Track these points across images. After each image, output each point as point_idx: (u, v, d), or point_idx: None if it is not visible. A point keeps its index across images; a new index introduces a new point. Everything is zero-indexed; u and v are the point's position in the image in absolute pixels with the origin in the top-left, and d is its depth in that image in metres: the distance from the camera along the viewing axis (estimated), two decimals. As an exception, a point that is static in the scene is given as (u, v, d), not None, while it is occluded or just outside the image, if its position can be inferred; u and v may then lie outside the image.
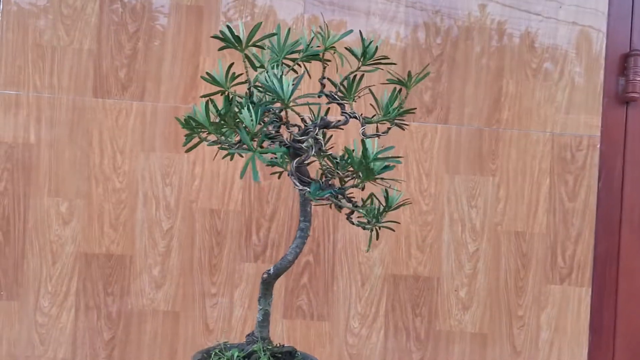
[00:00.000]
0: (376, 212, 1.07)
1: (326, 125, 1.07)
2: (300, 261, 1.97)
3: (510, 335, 1.99)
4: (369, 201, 1.08)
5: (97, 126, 1.97)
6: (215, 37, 1.01)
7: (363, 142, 1.01)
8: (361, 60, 1.11)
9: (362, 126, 1.07)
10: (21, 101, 1.97)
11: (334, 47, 1.10)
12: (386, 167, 1.01)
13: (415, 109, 1.97)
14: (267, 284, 1.14)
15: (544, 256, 2.00)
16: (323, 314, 1.98)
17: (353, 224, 1.09)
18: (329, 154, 1.05)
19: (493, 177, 2.00)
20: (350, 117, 1.09)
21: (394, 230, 1.10)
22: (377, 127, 1.12)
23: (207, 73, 1.01)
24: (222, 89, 1.01)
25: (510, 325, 1.99)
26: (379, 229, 1.09)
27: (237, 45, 1.00)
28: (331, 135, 1.14)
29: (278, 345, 1.17)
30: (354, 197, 1.09)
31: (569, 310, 1.99)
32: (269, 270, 1.12)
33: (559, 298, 1.99)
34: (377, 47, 1.12)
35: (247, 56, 1.02)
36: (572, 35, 2.03)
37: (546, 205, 2.00)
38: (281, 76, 0.97)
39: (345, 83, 1.12)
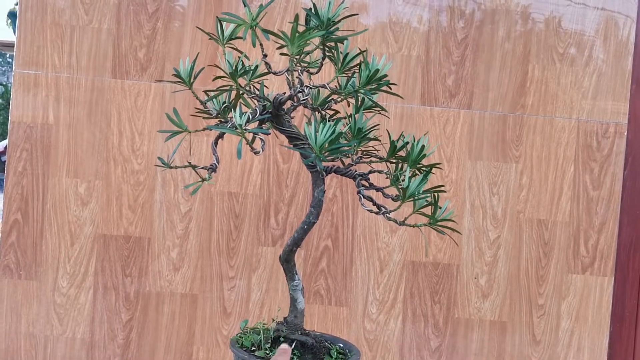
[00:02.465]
0: (433, 206, 1.01)
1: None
2: (319, 246, 1.95)
3: (530, 323, 1.95)
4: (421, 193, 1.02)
5: (116, 107, 1.95)
6: (221, 19, 0.98)
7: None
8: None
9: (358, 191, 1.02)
10: (40, 81, 1.94)
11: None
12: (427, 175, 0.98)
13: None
14: (283, 266, 1.12)
15: (567, 245, 1.96)
16: (341, 299, 1.95)
17: (396, 222, 1.03)
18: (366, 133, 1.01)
19: (516, 163, 1.95)
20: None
21: (444, 234, 1.05)
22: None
23: (174, 69, 1.02)
24: (186, 87, 1.03)
25: (531, 313, 1.96)
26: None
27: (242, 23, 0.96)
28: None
29: (304, 332, 1.14)
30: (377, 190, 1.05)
31: (591, 299, 1.96)
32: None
33: (581, 287, 1.96)
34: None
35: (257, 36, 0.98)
36: (600, 20, 1.97)
37: (570, 193, 1.96)
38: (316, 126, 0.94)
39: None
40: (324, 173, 1.07)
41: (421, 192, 0.99)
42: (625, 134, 1.96)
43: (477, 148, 1.95)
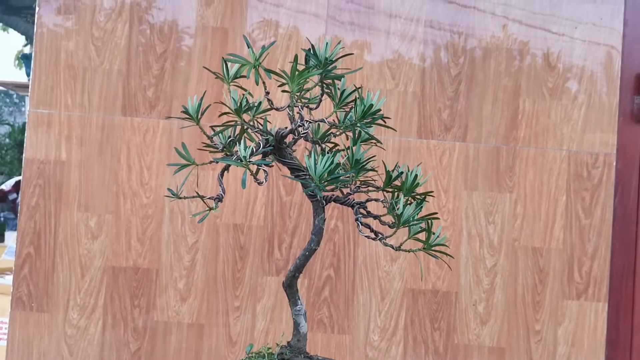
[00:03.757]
0: (427, 233, 1.07)
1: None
2: (321, 275, 2.00)
3: (527, 349, 1.99)
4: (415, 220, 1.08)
5: (126, 143, 2.02)
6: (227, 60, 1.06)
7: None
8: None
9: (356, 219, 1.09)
10: (53, 120, 2.02)
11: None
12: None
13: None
14: (286, 292, 1.17)
15: (561, 272, 2.01)
16: (344, 327, 2.00)
17: (393, 247, 1.10)
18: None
19: (510, 193, 2.02)
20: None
21: (438, 258, 1.12)
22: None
23: (183, 107, 1.11)
24: (194, 123, 1.11)
25: (528, 339, 2.00)
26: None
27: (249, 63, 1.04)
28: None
29: (306, 355, 1.19)
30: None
31: (586, 325, 2.00)
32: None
33: (576, 313, 2.00)
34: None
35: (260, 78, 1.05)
36: (587, 54, 2.05)
37: (563, 221, 2.02)
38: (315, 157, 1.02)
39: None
40: (324, 202, 1.13)
41: (415, 218, 1.06)
42: (614, 163, 2.02)
43: (472, 179, 2.02)
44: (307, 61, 1.08)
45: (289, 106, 1.08)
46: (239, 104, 1.09)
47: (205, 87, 2.02)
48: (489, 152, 2.03)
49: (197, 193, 1.15)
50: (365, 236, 1.09)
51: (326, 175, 1.00)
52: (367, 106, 1.01)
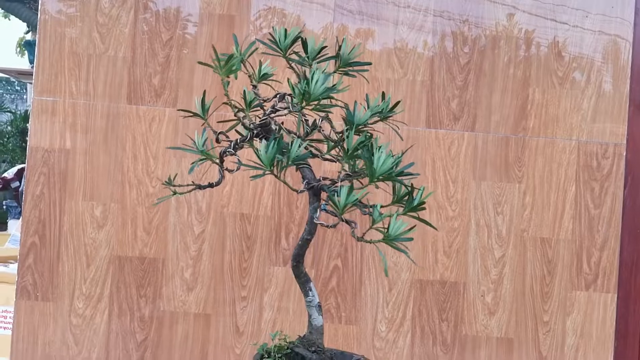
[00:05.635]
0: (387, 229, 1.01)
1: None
2: (328, 265, 1.95)
3: (536, 340, 1.95)
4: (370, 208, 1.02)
5: (131, 132, 1.96)
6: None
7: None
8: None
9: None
10: (57, 107, 1.95)
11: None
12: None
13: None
14: (297, 282, 1.16)
15: (570, 262, 1.96)
16: (351, 317, 1.95)
17: (358, 239, 1.04)
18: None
19: (519, 184, 1.96)
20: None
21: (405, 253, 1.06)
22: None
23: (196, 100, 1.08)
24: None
25: (536, 330, 1.95)
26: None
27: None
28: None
29: (318, 348, 1.15)
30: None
31: (595, 316, 1.95)
32: None
33: (585, 304, 1.95)
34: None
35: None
36: (598, 44, 1.99)
37: (572, 212, 1.96)
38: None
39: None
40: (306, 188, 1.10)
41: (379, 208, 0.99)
42: (624, 154, 1.97)
43: (481, 169, 1.96)
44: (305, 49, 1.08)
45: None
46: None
47: (211, 75, 1.96)
48: (498, 142, 1.97)
49: (192, 182, 1.16)
50: (320, 223, 1.06)
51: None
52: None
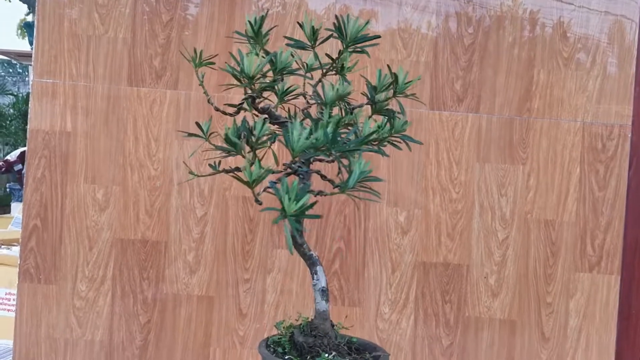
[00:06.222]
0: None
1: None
2: (331, 248, 1.93)
3: (539, 322, 1.93)
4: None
5: (132, 114, 1.93)
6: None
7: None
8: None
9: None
10: (57, 90, 1.92)
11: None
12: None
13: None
14: (303, 259, 1.13)
15: (574, 244, 1.94)
16: (354, 299, 1.93)
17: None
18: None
19: (523, 165, 1.93)
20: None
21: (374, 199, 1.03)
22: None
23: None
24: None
25: (539, 312, 1.93)
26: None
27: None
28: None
29: (319, 334, 1.13)
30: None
31: (598, 297, 1.94)
32: None
33: (588, 286, 1.94)
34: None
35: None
36: (604, 24, 1.95)
37: (576, 194, 1.94)
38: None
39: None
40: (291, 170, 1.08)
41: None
42: (630, 135, 1.94)
43: (485, 151, 1.93)
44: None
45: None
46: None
47: (212, 54, 1.91)
48: (502, 123, 1.94)
49: (212, 166, 1.11)
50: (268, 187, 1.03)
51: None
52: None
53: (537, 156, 1.93)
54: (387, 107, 1.08)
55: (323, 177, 1.13)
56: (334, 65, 1.11)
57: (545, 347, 1.93)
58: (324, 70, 1.13)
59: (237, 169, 1.09)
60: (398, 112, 1.05)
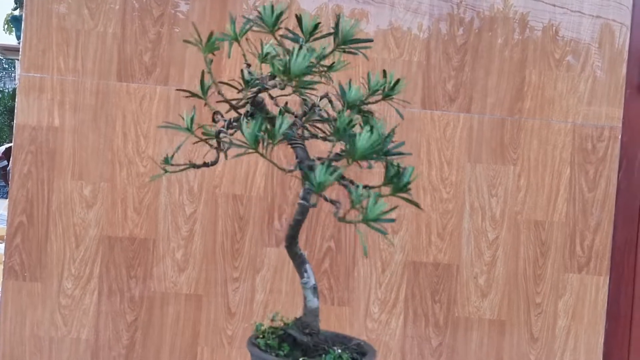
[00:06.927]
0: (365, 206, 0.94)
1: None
2: (321, 247, 1.90)
3: (528, 322, 1.92)
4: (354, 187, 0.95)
5: (121, 110, 1.89)
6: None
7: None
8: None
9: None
10: (45, 84, 1.88)
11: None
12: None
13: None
14: (292, 258, 1.11)
15: (563, 245, 1.93)
16: (343, 299, 1.91)
17: (339, 219, 0.97)
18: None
19: (514, 166, 1.92)
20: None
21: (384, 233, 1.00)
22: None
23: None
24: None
25: (528, 312, 1.92)
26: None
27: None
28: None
29: (312, 331, 1.11)
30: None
31: (587, 298, 1.93)
32: None
33: (577, 286, 1.93)
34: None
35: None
36: (595, 28, 1.94)
37: (566, 195, 1.93)
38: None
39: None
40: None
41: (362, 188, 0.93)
42: (620, 137, 1.93)
43: (476, 151, 1.92)
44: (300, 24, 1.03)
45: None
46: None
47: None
48: (493, 123, 1.92)
49: (190, 162, 1.10)
50: (300, 202, 1.01)
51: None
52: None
53: (528, 156, 1.92)
54: (366, 110, 1.04)
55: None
56: (321, 63, 1.08)
57: (534, 347, 1.92)
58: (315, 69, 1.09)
59: (206, 164, 1.09)
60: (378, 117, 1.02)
